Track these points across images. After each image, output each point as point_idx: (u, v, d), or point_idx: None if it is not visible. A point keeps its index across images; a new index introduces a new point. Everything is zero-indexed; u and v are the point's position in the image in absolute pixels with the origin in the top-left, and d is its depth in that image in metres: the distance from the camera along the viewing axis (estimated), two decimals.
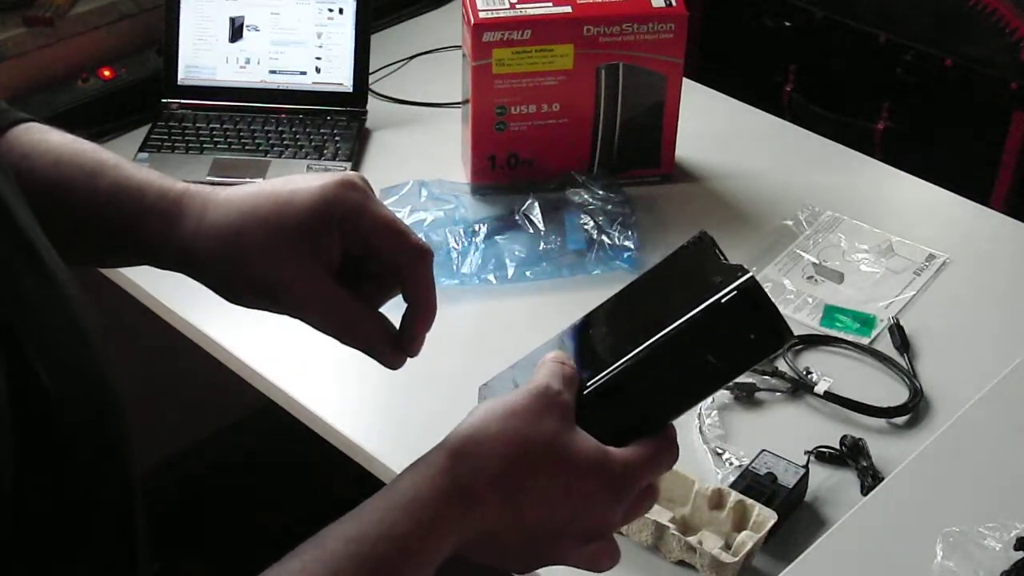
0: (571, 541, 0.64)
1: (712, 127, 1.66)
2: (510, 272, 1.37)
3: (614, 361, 0.64)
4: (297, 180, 0.67)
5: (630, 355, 0.63)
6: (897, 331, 1.29)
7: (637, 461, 0.64)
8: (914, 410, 1.20)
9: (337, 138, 1.59)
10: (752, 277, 0.62)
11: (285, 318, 0.99)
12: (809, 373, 1.24)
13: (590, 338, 0.69)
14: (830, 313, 1.33)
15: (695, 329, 0.62)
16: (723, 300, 0.62)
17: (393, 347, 0.70)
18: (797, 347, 1.28)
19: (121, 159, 0.73)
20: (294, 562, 0.59)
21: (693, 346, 0.62)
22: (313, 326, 0.70)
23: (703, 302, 0.62)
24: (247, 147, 1.57)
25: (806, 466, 1.11)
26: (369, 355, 0.70)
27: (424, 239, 0.73)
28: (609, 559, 0.65)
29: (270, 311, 0.70)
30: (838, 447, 1.15)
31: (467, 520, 0.61)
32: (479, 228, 1.41)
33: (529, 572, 0.66)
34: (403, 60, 1.78)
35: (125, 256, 0.74)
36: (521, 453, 0.62)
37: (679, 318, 0.62)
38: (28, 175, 0.71)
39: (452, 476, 0.62)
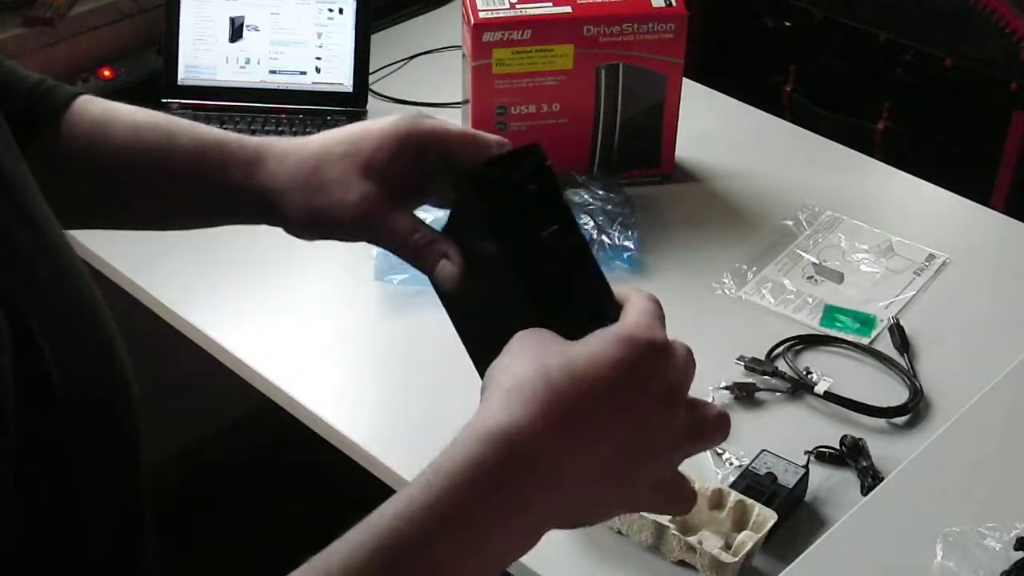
0: (638, 465, 0.58)
1: (712, 127, 1.65)
2: None
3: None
4: (367, 123, 0.73)
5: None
6: (897, 331, 1.29)
7: (641, 331, 0.59)
8: (914, 410, 1.20)
9: None
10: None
11: (284, 318, 1.00)
12: (809, 373, 1.24)
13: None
14: (830, 313, 1.33)
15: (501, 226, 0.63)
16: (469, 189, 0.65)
17: (451, 264, 0.71)
18: (797, 347, 1.28)
19: (191, 121, 0.79)
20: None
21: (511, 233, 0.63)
22: (381, 246, 0.73)
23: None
24: None
25: (806, 466, 1.11)
26: (426, 274, 0.72)
27: None
28: (689, 499, 0.62)
29: (342, 239, 0.74)
30: (838, 447, 1.15)
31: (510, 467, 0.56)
32: None
33: (598, 519, 0.61)
34: (403, 60, 1.78)
35: (212, 213, 0.79)
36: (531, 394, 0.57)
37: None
38: (104, 142, 0.77)
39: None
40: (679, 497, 0.62)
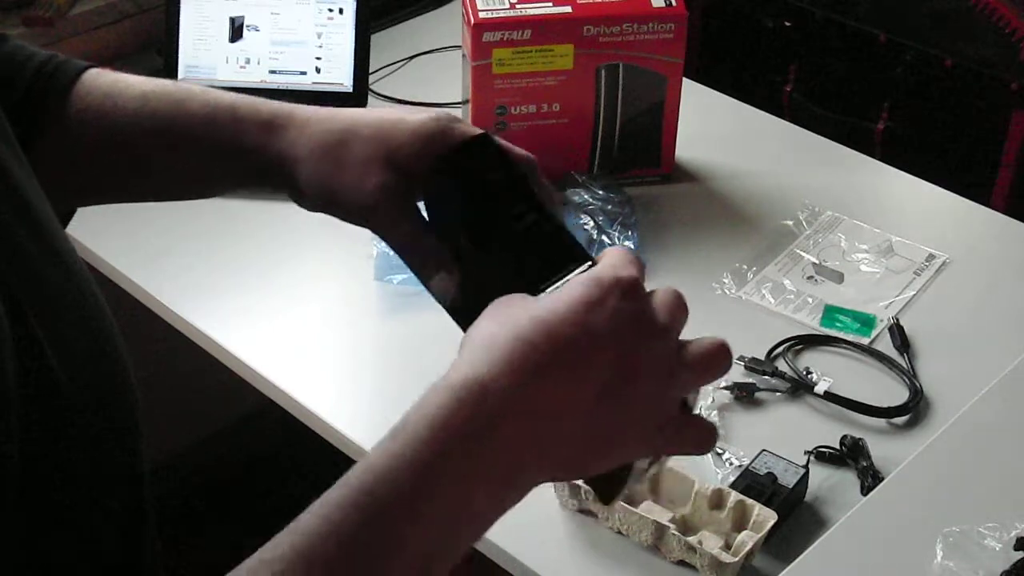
0: (632, 407, 0.57)
1: (712, 127, 1.65)
2: None
3: None
4: (402, 111, 0.73)
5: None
6: (897, 331, 1.29)
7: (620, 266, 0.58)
8: (914, 410, 1.20)
9: None
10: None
11: (284, 318, 1.00)
12: (809, 373, 1.24)
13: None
14: (830, 313, 1.33)
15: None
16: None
17: (448, 275, 0.71)
18: (797, 347, 1.28)
19: (204, 87, 0.77)
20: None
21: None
22: (383, 238, 0.73)
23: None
24: None
25: (806, 466, 1.11)
26: (423, 283, 0.72)
27: None
28: (704, 433, 0.60)
29: (348, 220, 0.73)
30: (838, 447, 1.15)
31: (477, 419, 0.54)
32: None
33: (599, 466, 0.59)
34: (403, 60, 1.78)
35: (226, 178, 0.77)
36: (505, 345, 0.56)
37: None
38: (113, 113, 0.75)
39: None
40: (696, 434, 0.60)
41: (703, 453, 0.61)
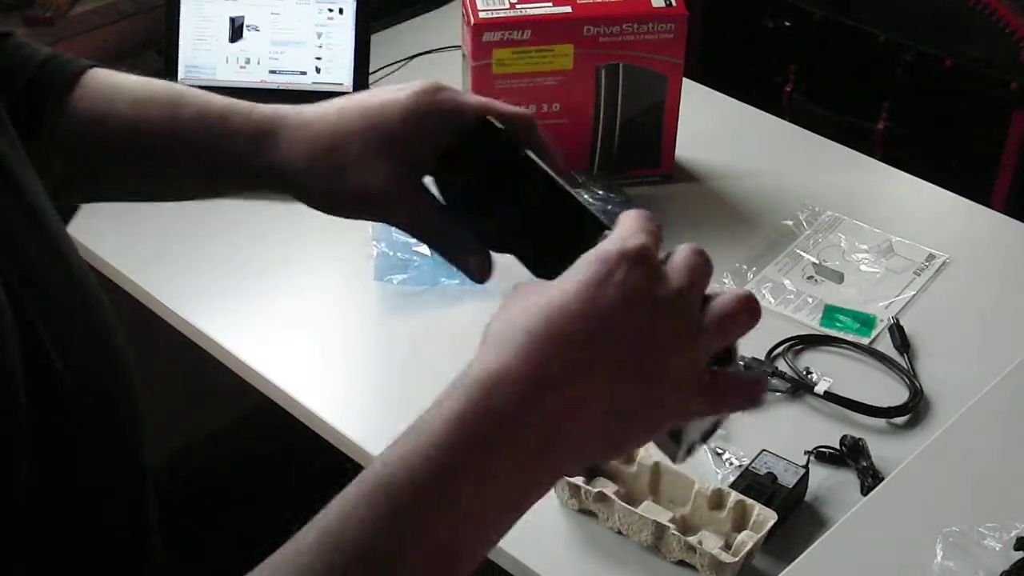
0: (662, 379, 0.55)
1: (712, 127, 1.66)
2: None
3: None
4: (383, 93, 0.70)
5: None
6: (897, 331, 1.29)
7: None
8: (914, 410, 1.20)
9: None
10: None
11: (284, 318, 1.00)
12: (809, 373, 1.24)
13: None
14: (830, 313, 1.33)
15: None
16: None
17: (479, 259, 0.71)
18: (797, 347, 1.28)
19: (198, 90, 0.76)
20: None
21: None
22: (404, 230, 0.72)
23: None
24: None
25: (806, 466, 1.11)
26: (456, 265, 0.71)
27: None
28: (746, 388, 0.59)
29: (364, 219, 0.73)
30: (838, 447, 1.15)
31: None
32: None
33: (631, 445, 0.58)
34: (403, 60, 1.78)
35: (222, 183, 0.77)
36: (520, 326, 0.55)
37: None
38: (109, 116, 0.75)
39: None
40: (738, 391, 0.58)
41: (754, 408, 0.59)
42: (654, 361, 0.55)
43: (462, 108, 0.70)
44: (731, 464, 1.14)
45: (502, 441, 0.54)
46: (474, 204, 0.64)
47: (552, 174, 0.64)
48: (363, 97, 0.71)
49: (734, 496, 1.06)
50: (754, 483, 1.09)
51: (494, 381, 0.54)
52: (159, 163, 0.77)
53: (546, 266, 0.60)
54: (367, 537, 0.51)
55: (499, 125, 0.66)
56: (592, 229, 0.61)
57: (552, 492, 1.08)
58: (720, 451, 1.15)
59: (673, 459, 0.60)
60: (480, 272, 0.71)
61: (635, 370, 0.55)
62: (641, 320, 0.55)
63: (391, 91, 0.70)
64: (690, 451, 0.61)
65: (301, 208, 0.74)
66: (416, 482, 0.53)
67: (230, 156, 0.73)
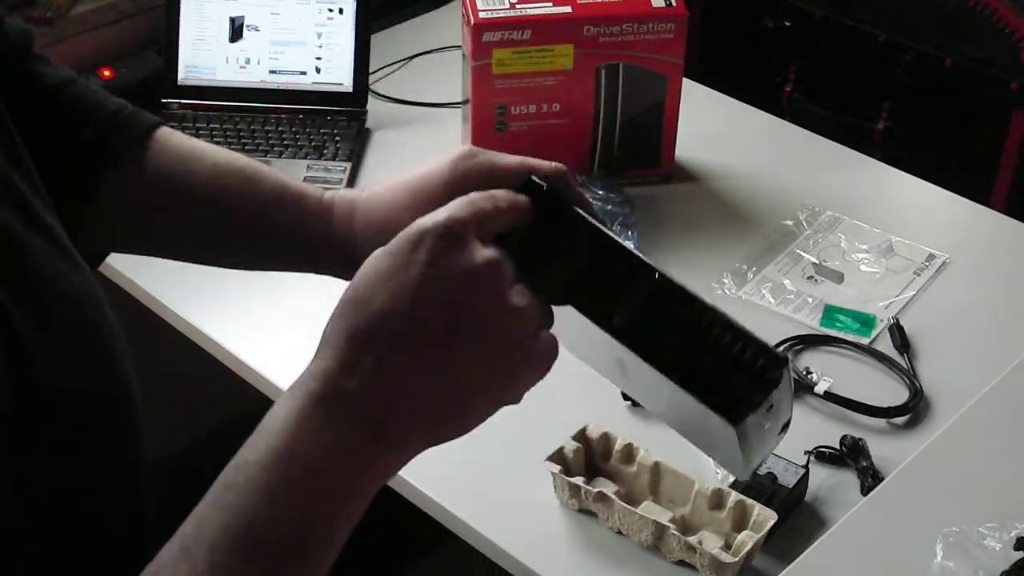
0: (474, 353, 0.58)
1: (712, 127, 1.66)
2: None
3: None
4: (425, 166, 0.73)
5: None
6: (897, 331, 1.29)
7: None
8: (914, 410, 1.20)
9: (337, 138, 1.59)
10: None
11: (285, 318, 1.00)
12: (809, 373, 1.24)
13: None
14: (830, 313, 1.33)
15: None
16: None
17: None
18: (797, 347, 1.28)
19: (269, 168, 0.80)
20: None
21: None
22: None
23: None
24: (247, 147, 1.57)
25: (806, 466, 1.11)
26: None
27: None
28: (543, 354, 0.60)
29: None
30: (838, 447, 1.15)
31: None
32: None
33: (473, 422, 0.60)
34: (403, 60, 1.78)
35: (286, 260, 0.80)
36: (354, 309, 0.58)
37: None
38: (185, 179, 0.78)
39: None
40: (528, 358, 0.60)
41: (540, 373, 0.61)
42: (474, 329, 0.57)
43: (500, 168, 0.71)
44: None
45: (337, 437, 0.56)
46: (525, 261, 0.64)
47: (598, 224, 0.65)
48: (408, 174, 0.74)
49: (734, 496, 1.06)
50: (754, 483, 1.08)
51: (321, 382, 0.57)
52: (225, 229, 0.79)
53: (602, 314, 0.62)
54: (222, 532, 0.58)
55: (541, 183, 0.66)
56: (644, 274, 0.63)
57: (552, 492, 1.08)
58: None
59: (739, 476, 0.62)
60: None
61: (459, 341, 0.57)
62: (450, 293, 0.57)
63: (431, 163, 0.73)
64: (755, 467, 0.62)
65: None
66: (256, 486, 0.60)
67: (303, 236, 0.76)
